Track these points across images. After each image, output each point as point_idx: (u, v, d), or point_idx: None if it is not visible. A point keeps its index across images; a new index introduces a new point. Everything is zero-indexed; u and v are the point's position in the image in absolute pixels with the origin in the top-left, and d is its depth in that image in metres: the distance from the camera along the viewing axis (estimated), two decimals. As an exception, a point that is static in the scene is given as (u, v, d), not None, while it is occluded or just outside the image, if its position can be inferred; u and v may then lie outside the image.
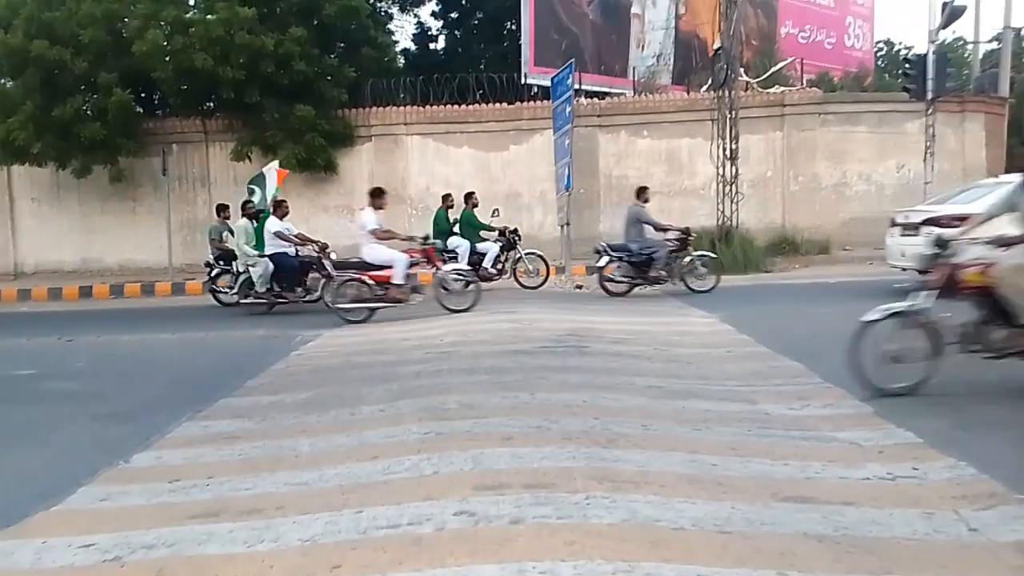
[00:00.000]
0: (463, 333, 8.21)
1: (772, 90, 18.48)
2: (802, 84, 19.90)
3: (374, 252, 10.11)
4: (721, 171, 15.79)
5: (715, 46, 16.80)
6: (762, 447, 4.10)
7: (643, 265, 11.57)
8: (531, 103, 18.71)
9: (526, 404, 5.13)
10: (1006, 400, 4.99)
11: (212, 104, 17.89)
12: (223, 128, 17.97)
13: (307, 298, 11.40)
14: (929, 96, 15.53)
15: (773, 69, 19.75)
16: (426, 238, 11.07)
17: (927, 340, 5.07)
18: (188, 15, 16.94)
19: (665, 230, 11.82)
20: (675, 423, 4.66)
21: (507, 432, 4.41)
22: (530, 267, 13.28)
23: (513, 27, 23.65)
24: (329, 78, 17.02)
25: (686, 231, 11.92)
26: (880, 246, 11.99)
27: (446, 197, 13.35)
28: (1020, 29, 24.62)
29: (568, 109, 14.19)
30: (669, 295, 11.51)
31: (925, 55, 15.77)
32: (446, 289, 10.47)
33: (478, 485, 3.58)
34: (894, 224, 11.21)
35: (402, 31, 39.66)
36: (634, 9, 23.85)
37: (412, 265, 10.15)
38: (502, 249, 12.98)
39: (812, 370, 5.88)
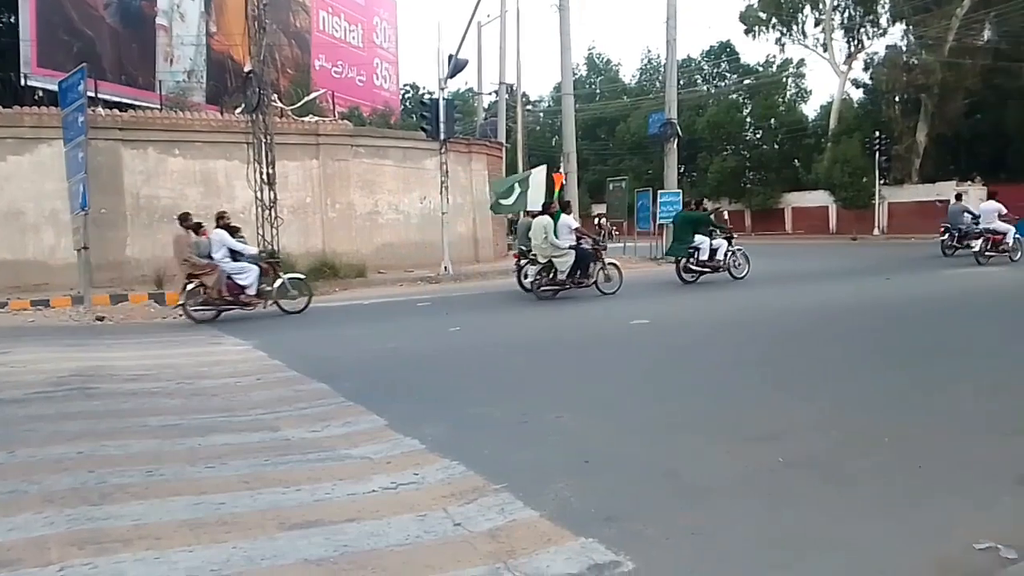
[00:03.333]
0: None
1: (307, 119, 18.91)
2: (335, 116, 20.78)
3: None
4: (259, 195, 15.52)
5: (246, 69, 16.52)
6: (277, 476, 4.02)
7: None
8: (35, 108, 16.04)
9: (1, 465, 4.26)
10: (497, 400, 5.75)
11: None
12: None
13: None
14: (442, 137, 17.53)
15: (307, 99, 20.26)
16: None
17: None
18: None
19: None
20: (188, 464, 4.32)
21: (-37, 506, 3.57)
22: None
23: (14, 21, 20.06)
24: None
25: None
26: (409, 269, 13.15)
27: None
28: (511, 85, 29.43)
29: (81, 118, 12.46)
30: (204, 326, 10.87)
31: (437, 101, 17.79)
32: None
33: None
34: None
35: None
36: (160, 20, 22.27)
37: None
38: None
39: (337, 390, 6.04)
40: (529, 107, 52.33)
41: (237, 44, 23.37)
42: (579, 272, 12.64)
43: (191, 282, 10.94)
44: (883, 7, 35.47)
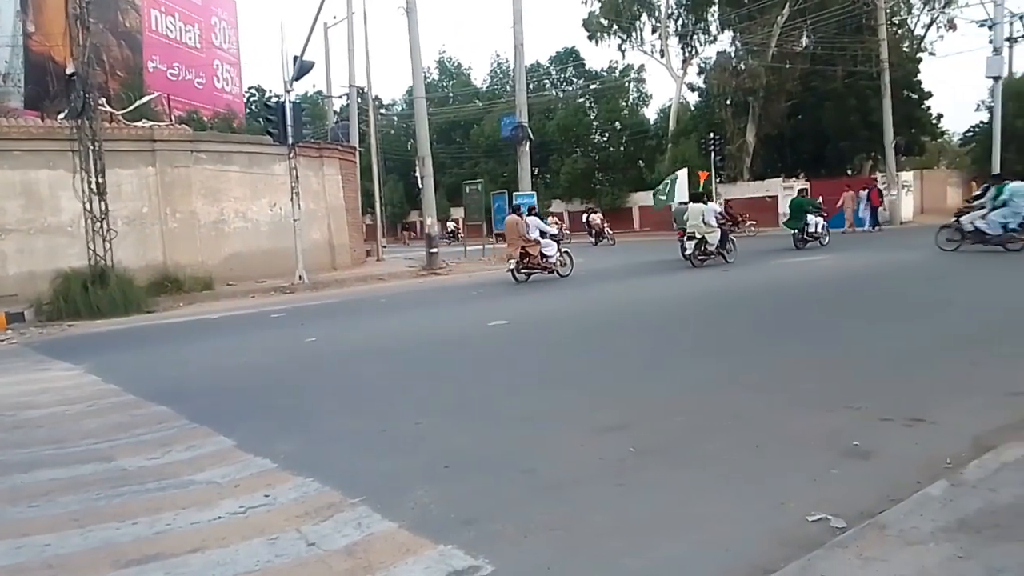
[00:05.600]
0: None
1: (140, 124, 17.70)
2: (171, 121, 19.60)
3: None
4: (89, 207, 14.37)
5: (69, 71, 15.23)
6: (111, 510, 3.71)
7: None
8: None
9: None
10: (355, 411, 5.60)
11: None
12: None
13: None
14: (290, 141, 16.94)
15: (139, 102, 18.97)
16: None
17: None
18: None
19: None
20: (8, 504, 3.90)
21: None
22: None
23: None
24: None
25: None
26: (261, 279, 12.61)
27: None
28: (362, 89, 28.91)
29: None
30: (28, 350, 9.90)
31: (283, 104, 17.17)
32: None
33: None
34: None
35: None
36: (-33, 19, 20.12)
37: None
38: None
39: (179, 413, 5.66)
40: (383, 111, 51.79)
41: (58, 44, 21.53)
42: (721, 244, 16.58)
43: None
44: (713, 15, 37.87)
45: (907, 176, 31.99)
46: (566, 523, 3.27)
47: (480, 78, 55.92)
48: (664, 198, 23.32)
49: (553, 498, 3.58)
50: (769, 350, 7.04)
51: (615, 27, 40.99)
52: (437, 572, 2.85)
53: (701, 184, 24.37)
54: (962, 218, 15.56)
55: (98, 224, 14.40)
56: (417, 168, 21.05)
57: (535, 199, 22.23)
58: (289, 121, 16.79)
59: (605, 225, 32.12)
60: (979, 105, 36.86)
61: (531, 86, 38.31)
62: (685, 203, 17.62)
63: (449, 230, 45.21)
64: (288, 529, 3.34)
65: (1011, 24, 26.00)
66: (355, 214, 23.00)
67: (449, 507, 3.50)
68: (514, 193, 22.07)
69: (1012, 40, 26.78)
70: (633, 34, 40.95)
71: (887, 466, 3.73)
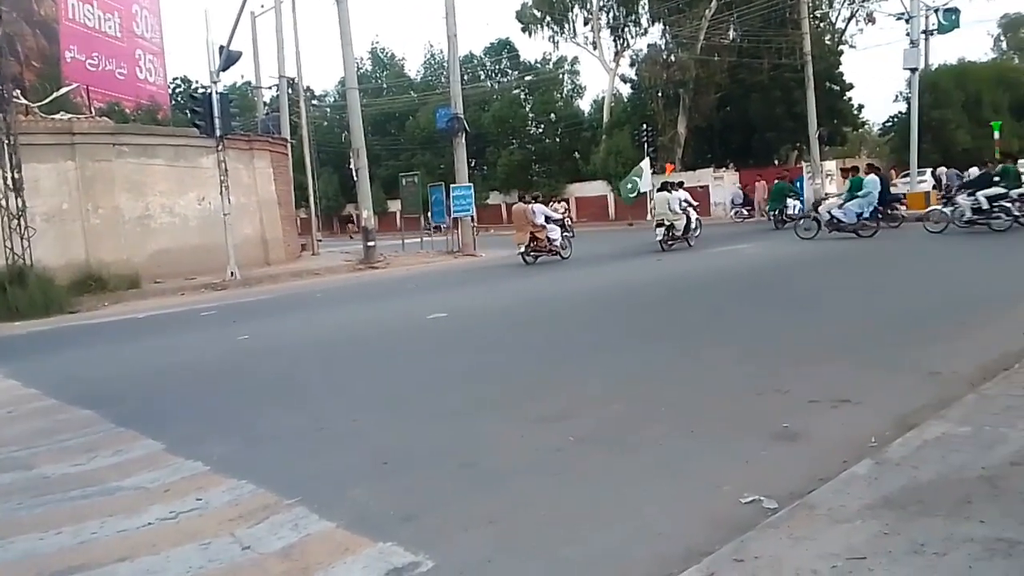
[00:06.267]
0: None
1: (58, 116, 16.93)
2: (91, 113, 18.79)
3: None
4: (5, 203, 13.69)
5: (-24, 60, 14.45)
6: (33, 520, 3.55)
7: None
8: None
9: None
10: (291, 409, 5.49)
11: None
12: None
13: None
14: (218, 133, 16.45)
15: (56, 94, 18.13)
16: None
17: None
18: None
19: None
20: (-82, 520, 3.69)
21: None
22: None
23: None
24: None
25: None
26: (191, 276, 12.22)
27: None
28: (293, 79, 28.27)
29: None
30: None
31: (210, 95, 16.65)
32: None
33: None
34: None
35: None
36: None
37: None
38: None
39: (105, 417, 5.44)
40: (315, 102, 50.76)
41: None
42: (687, 231, 17.53)
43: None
44: (643, 8, 38.32)
45: (830, 165, 33.09)
46: (506, 515, 3.28)
47: (414, 69, 55.35)
48: (632, 191, 24.23)
49: (493, 491, 3.58)
50: (702, 337, 7.19)
51: (548, 19, 41.10)
52: (376, 570, 2.82)
53: (668, 176, 25.48)
54: (819, 208, 17.27)
55: (15, 221, 13.75)
56: (351, 160, 20.72)
57: (472, 191, 22.15)
58: (216, 112, 16.28)
59: (566, 216, 30.02)
60: (897, 96, 38.33)
61: (466, 77, 38.10)
62: (661, 190, 18.82)
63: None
64: (221, 533, 3.26)
65: (927, 17, 27.04)
66: (288, 208, 22.51)
67: (388, 504, 3.47)
68: (451, 185, 21.93)
69: (928, 33, 27.87)
70: (566, 26, 41.12)
71: (815, 447, 3.86)
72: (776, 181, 24.39)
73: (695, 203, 19.12)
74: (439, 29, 58.73)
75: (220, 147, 16.66)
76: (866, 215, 15.97)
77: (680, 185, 19.66)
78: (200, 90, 34.51)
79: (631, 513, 3.23)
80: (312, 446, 4.54)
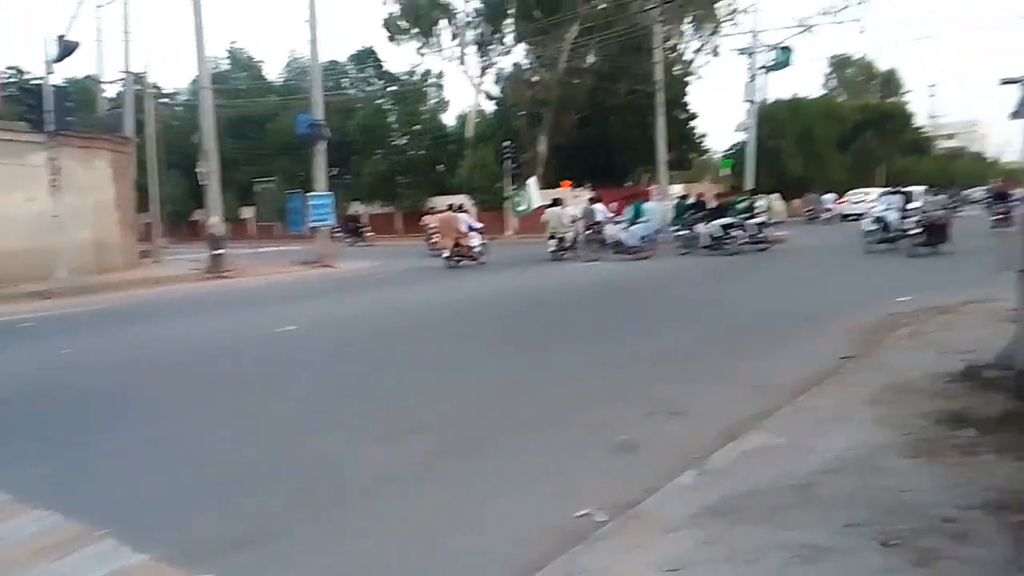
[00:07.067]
0: None
1: None
2: None
3: None
4: None
5: None
6: None
7: None
8: None
9: None
10: (111, 431, 5.08)
11: None
12: None
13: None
14: (51, 128, 15.13)
15: None
16: None
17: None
18: None
19: None
20: None
21: None
22: None
23: None
24: None
25: None
26: (14, 283, 11.07)
27: None
28: (141, 74, 26.55)
29: None
30: None
31: (42, 87, 15.31)
32: None
33: None
34: None
35: None
36: None
37: None
38: None
39: None
40: (165, 100, 47.86)
41: None
42: (576, 242, 18.96)
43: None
44: (508, 27, 39.06)
45: (677, 188, 35.01)
46: (361, 532, 3.23)
47: (274, 72, 53.47)
48: (523, 206, 25.66)
49: (346, 508, 3.51)
50: (547, 351, 7.35)
51: (415, 29, 41.01)
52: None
53: (564, 192, 26.92)
54: (606, 230, 18.85)
55: None
56: (199, 163, 19.65)
57: (333, 200, 21.59)
58: (50, 106, 14.98)
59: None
60: (738, 126, 41.21)
61: (329, 84, 37.27)
62: (550, 206, 20.02)
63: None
64: (22, 570, 2.95)
65: (765, 54, 29.26)
66: (128, 211, 20.98)
67: (217, 531, 3.28)
68: (309, 194, 21.28)
69: (767, 68, 30.14)
70: (432, 39, 41.18)
71: (650, 458, 4.03)
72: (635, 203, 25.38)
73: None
74: (301, 34, 57.10)
75: (52, 144, 15.32)
76: (647, 239, 17.91)
77: (557, 201, 20.65)
78: (33, 81, 31.42)
79: (480, 524, 3.28)
80: (134, 470, 4.22)
